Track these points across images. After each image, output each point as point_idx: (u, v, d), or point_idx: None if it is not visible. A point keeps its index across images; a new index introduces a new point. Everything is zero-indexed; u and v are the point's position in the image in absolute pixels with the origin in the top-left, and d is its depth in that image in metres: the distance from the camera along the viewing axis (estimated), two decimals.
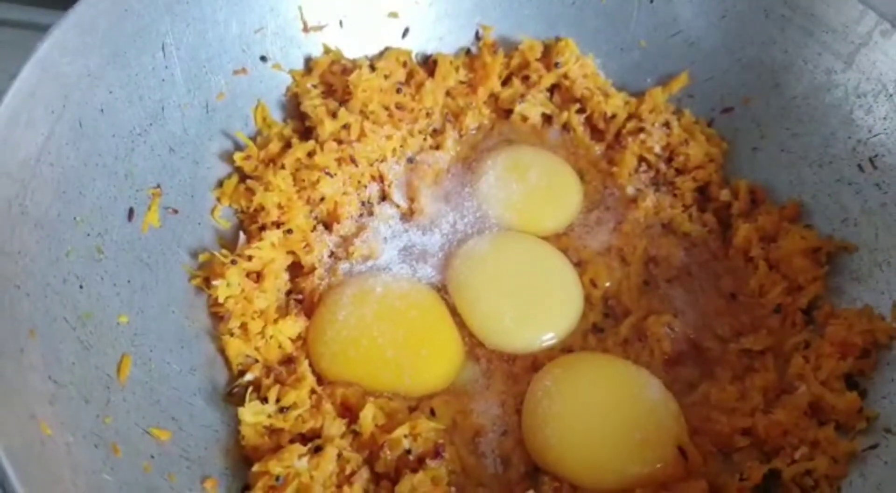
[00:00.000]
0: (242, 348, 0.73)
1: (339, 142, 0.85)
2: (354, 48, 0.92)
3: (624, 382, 0.74)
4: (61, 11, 0.64)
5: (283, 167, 0.81)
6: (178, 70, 0.76)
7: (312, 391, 0.71)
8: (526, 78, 0.96)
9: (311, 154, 0.83)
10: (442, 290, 0.82)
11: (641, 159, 0.92)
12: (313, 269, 0.80)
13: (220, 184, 0.81)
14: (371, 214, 0.86)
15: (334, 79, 0.89)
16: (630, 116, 0.94)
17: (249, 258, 0.76)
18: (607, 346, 0.79)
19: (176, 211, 0.75)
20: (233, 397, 0.72)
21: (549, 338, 0.79)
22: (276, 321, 0.75)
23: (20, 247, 0.58)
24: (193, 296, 0.75)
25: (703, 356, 0.79)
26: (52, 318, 0.59)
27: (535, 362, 0.78)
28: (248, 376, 0.72)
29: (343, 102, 0.87)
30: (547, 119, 0.97)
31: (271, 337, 0.74)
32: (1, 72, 0.61)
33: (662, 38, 0.94)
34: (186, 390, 0.69)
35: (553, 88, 0.97)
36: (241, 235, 0.79)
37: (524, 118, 0.96)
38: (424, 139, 0.92)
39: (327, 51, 0.91)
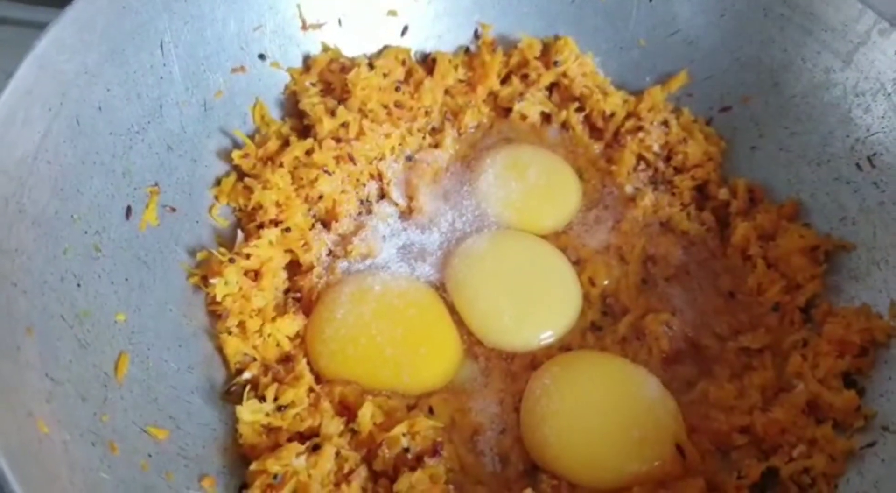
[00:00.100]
0: (240, 346, 0.73)
1: (338, 140, 0.85)
2: (353, 46, 0.92)
3: (622, 380, 0.74)
4: (59, 9, 0.64)
5: (281, 165, 0.81)
6: (177, 68, 0.76)
7: (310, 390, 0.71)
8: (525, 76, 0.96)
9: (309, 152, 0.83)
10: (440, 288, 0.82)
11: (640, 158, 0.92)
12: (311, 267, 0.80)
13: (219, 182, 0.81)
14: (370, 212, 0.86)
15: (333, 77, 0.89)
16: (629, 115, 0.94)
17: (247, 257, 0.76)
18: (606, 344, 0.79)
19: (174, 209, 0.75)
20: (230, 395, 0.71)
21: (547, 336, 0.79)
22: (274, 320, 0.75)
23: (17, 245, 0.58)
24: (191, 294, 0.75)
25: (701, 355, 0.79)
26: (49, 316, 0.59)
27: (534, 361, 0.78)
28: (246, 375, 0.72)
29: (342, 101, 0.87)
30: (546, 118, 0.97)
31: (269, 335, 0.74)
32: None
33: (661, 37, 0.94)
34: (184, 389, 0.69)
35: (552, 87, 0.97)
36: (240, 234, 0.79)
37: (523, 117, 0.95)
38: (423, 138, 0.92)
39: (326, 49, 0.90)
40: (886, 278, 0.74)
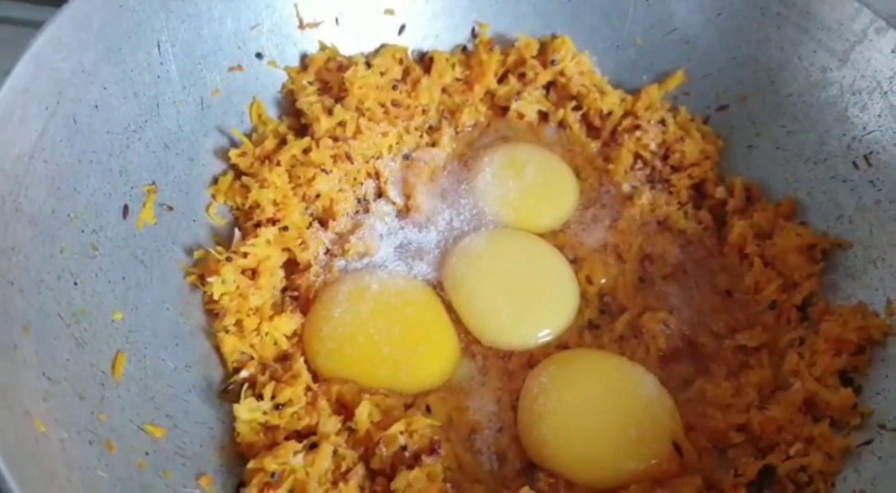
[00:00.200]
0: (237, 345, 0.73)
1: (335, 139, 0.85)
2: (350, 45, 0.92)
3: (619, 378, 0.74)
4: (55, 8, 0.64)
5: (278, 164, 0.81)
6: (173, 66, 0.76)
7: (308, 388, 0.71)
8: (522, 75, 0.96)
9: (306, 151, 0.83)
10: (438, 287, 0.82)
11: (637, 157, 0.92)
12: (309, 266, 0.80)
13: (216, 181, 0.81)
14: (367, 211, 0.86)
15: (330, 76, 0.89)
16: (626, 114, 0.94)
17: (245, 255, 0.76)
18: (603, 343, 0.79)
19: (171, 208, 0.75)
20: (228, 394, 0.71)
21: (544, 335, 0.79)
22: (271, 318, 0.75)
23: (14, 243, 0.58)
24: (188, 293, 0.75)
25: (698, 353, 0.80)
26: (46, 314, 0.59)
27: (531, 359, 0.78)
28: (244, 373, 0.72)
29: (339, 99, 0.87)
30: (543, 116, 0.97)
31: (266, 334, 0.74)
32: None
33: (658, 36, 0.95)
34: (181, 387, 0.69)
35: (549, 86, 0.97)
36: (237, 232, 0.79)
37: (520, 115, 0.96)
38: (420, 136, 0.92)
39: (323, 48, 0.90)
40: (883, 277, 0.75)
